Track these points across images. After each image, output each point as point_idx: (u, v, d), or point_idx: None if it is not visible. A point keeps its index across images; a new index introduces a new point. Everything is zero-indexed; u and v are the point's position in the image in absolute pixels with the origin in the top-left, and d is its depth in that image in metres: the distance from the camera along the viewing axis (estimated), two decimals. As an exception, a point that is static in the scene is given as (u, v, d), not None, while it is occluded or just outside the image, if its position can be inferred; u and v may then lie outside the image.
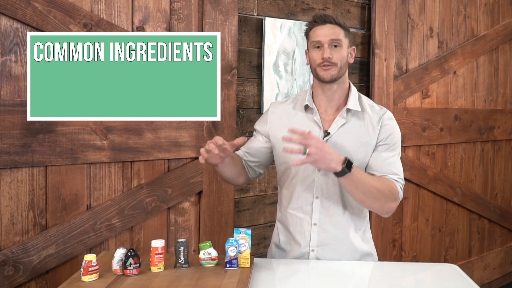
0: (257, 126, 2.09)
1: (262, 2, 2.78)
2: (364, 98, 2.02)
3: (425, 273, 1.99)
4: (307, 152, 1.72)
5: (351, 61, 1.97)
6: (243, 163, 2.05)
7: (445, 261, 3.80)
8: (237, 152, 2.09)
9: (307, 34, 1.97)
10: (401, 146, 3.38)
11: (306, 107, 1.98)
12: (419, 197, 3.64)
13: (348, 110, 1.95)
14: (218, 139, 1.76)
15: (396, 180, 1.91)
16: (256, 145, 2.06)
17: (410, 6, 3.46)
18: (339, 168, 1.76)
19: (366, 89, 3.31)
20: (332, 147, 1.90)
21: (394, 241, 3.50)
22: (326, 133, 1.94)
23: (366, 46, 3.30)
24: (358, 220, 1.99)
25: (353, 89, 1.99)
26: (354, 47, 1.98)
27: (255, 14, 2.76)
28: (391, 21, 3.33)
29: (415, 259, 3.65)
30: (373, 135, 1.94)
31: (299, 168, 1.94)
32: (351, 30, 3.18)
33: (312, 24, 1.94)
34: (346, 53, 1.93)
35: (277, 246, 2.07)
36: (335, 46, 1.90)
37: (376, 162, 1.92)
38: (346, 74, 1.97)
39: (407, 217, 3.58)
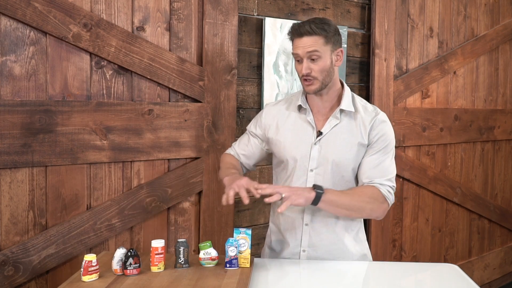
0: (252, 128, 2.10)
1: (262, 2, 2.78)
2: (357, 98, 2.01)
3: (425, 273, 1.99)
4: (283, 196, 1.79)
5: (339, 64, 1.92)
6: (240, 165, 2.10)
7: (445, 261, 3.80)
8: (232, 153, 2.12)
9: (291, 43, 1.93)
10: (401, 146, 3.44)
11: (300, 108, 1.98)
12: (419, 197, 3.64)
13: (342, 111, 1.95)
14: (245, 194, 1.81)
15: (381, 184, 1.91)
16: (253, 148, 2.09)
17: (410, 6, 3.46)
18: (313, 194, 1.80)
19: (366, 89, 3.31)
20: (325, 146, 1.92)
21: (394, 241, 3.50)
22: (319, 133, 1.94)
23: (366, 46, 3.30)
24: (350, 221, 1.99)
25: (347, 89, 1.98)
26: (341, 48, 1.92)
27: (255, 14, 2.76)
28: (391, 21, 3.32)
29: (415, 259, 3.65)
30: (364, 135, 1.94)
31: (294, 167, 1.95)
32: (351, 30, 3.21)
33: (290, 36, 1.90)
34: (327, 62, 1.87)
35: (269, 247, 2.08)
36: (313, 59, 1.85)
37: (365, 167, 1.93)
38: (336, 76, 1.94)
39: (407, 217, 3.58)
